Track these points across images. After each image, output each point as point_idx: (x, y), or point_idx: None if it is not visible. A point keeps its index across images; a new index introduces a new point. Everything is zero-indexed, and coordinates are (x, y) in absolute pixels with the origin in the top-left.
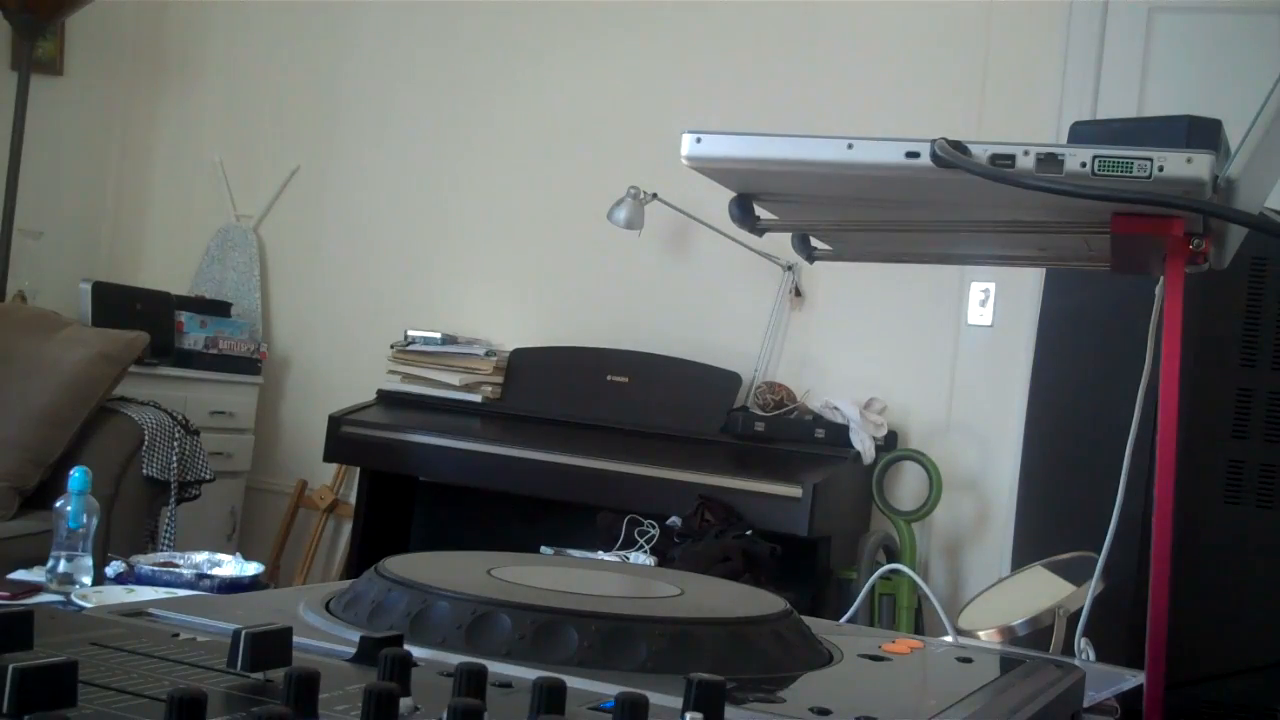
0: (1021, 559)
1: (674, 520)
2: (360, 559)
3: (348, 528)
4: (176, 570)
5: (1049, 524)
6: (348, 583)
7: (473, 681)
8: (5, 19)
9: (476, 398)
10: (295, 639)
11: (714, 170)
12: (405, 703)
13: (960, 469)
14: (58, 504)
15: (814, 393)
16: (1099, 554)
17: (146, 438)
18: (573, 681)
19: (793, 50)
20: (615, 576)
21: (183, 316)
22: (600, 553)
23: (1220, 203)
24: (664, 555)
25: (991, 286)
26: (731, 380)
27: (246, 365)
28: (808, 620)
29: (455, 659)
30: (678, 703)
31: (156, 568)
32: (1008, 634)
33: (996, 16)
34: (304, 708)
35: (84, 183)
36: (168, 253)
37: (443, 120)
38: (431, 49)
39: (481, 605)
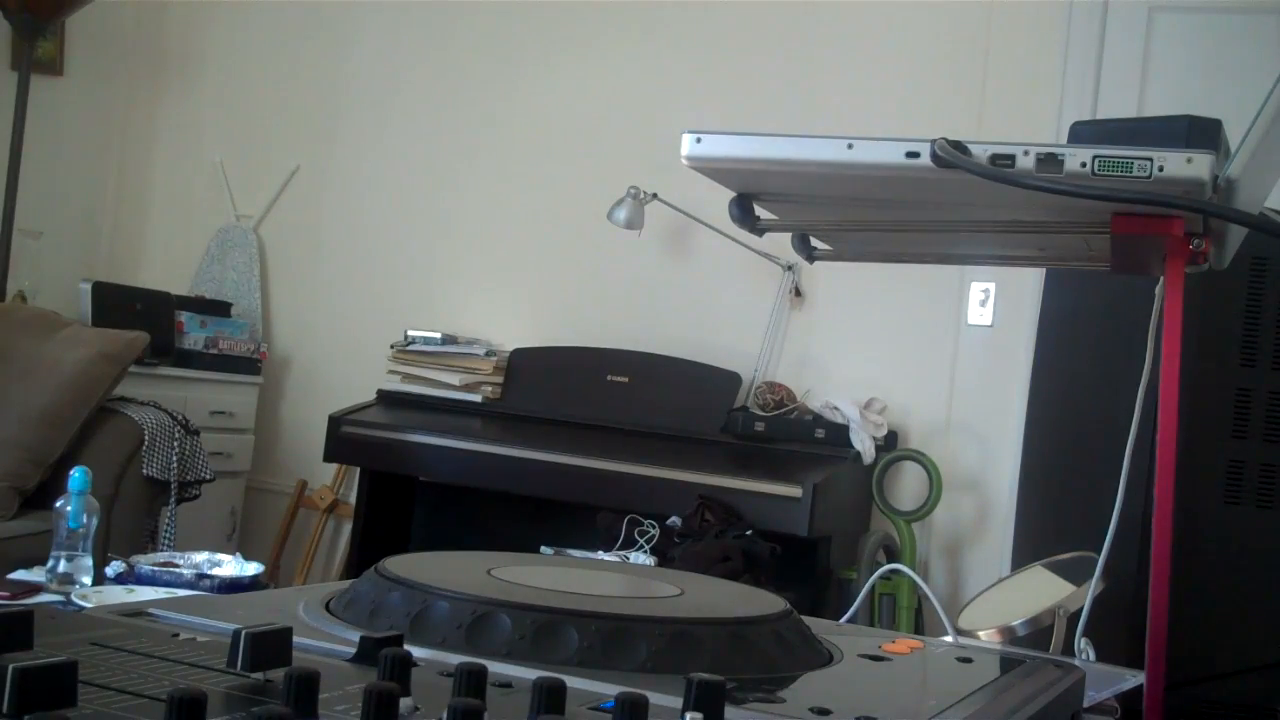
0: (1021, 559)
1: (674, 520)
2: (360, 559)
3: (348, 528)
4: (176, 570)
5: (1049, 524)
6: (348, 583)
7: (473, 681)
8: (5, 19)
9: (476, 398)
10: (295, 639)
11: (714, 170)
12: (405, 703)
13: (960, 469)
14: (58, 504)
15: (814, 393)
16: (1099, 554)
17: (146, 438)
18: (573, 681)
19: (793, 50)
20: (615, 576)
21: (183, 316)
22: (600, 553)
23: (1220, 203)
24: (664, 555)
25: (991, 286)
26: (731, 380)
27: (246, 365)
28: (808, 620)
29: (455, 659)
30: (678, 703)
31: (156, 568)
32: (1008, 634)
33: (996, 16)
34: (304, 708)
35: (84, 183)
36: (168, 253)
37: (443, 120)
38: (431, 49)
39: (481, 605)
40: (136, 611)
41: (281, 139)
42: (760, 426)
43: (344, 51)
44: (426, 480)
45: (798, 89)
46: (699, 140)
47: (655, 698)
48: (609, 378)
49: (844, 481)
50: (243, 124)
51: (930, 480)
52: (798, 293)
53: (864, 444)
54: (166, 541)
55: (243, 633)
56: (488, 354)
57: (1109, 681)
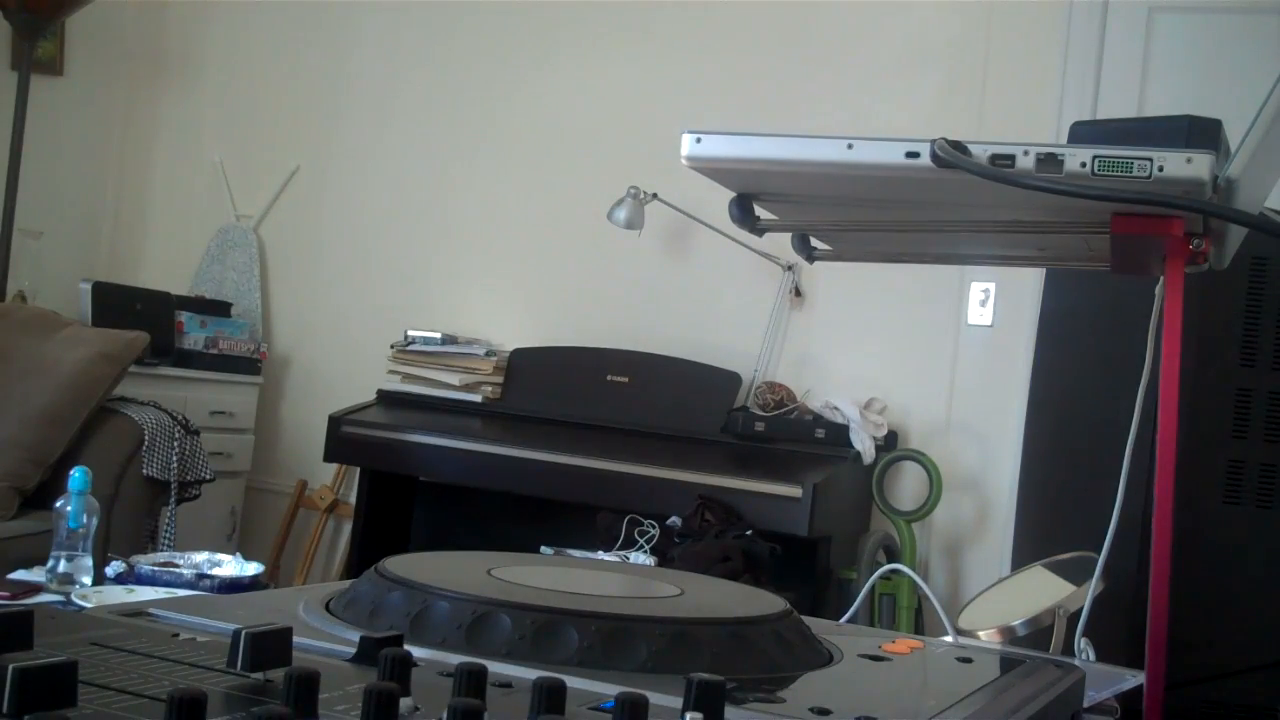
0: (1021, 559)
1: (674, 520)
2: (360, 559)
3: (348, 528)
4: (176, 570)
5: (1049, 524)
6: (348, 583)
7: (473, 681)
8: (5, 19)
9: (476, 398)
10: (295, 639)
11: (714, 170)
12: (405, 703)
13: (960, 469)
14: (58, 504)
15: (814, 393)
16: (1099, 554)
17: (146, 438)
18: (573, 681)
19: (793, 50)
20: (615, 576)
21: (183, 316)
22: (600, 553)
23: (1220, 203)
24: (664, 555)
25: (991, 286)
26: (731, 380)
27: (246, 365)
28: (808, 620)
29: (455, 659)
30: (678, 703)
31: (156, 568)
32: (1008, 634)
33: (996, 16)
34: (304, 708)
35: (84, 183)
36: (168, 253)
37: (443, 120)
38: (432, 49)
39: (481, 605)
40: (136, 611)
41: (281, 139)
42: (760, 426)
43: (344, 51)
44: (426, 480)
45: (798, 89)
46: (699, 140)
47: (655, 698)
48: (609, 378)
49: (844, 481)
50: (243, 124)
51: (930, 480)
52: (798, 293)
53: (864, 444)
54: (166, 541)
55: (243, 633)
56: (488, 354)
57: (1109, 681)
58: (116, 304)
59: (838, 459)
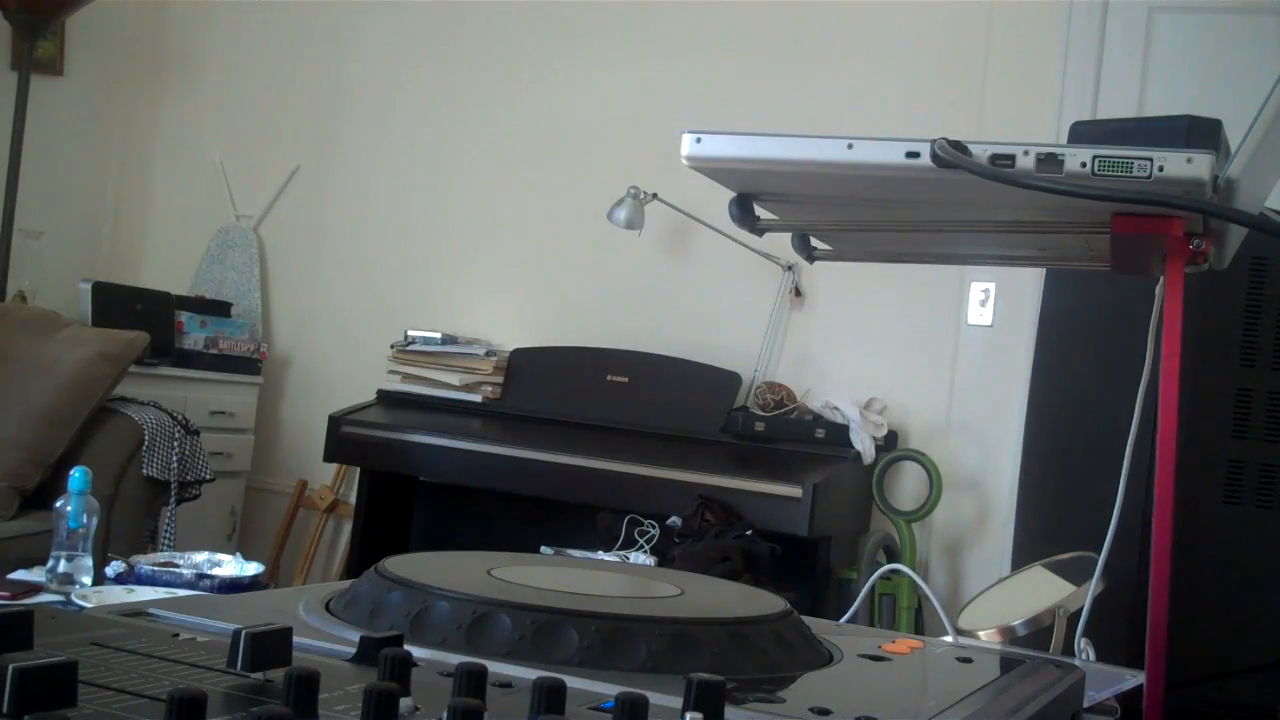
0: (1021, 559)
1: (674, 520)
2: (360, 559)
3: (348, 528)
4: (176, 570)
5: (1049, 524)
6: (348, 583)
7: (473, 681)
8: (5, 19)
9: (476, 398)
10: (295, 639)
11: (714, 170)
12: (405, 703)
13: (960, 469)
14: (58, 504)
15: (814, 393)
16: (1099, 554)
17: (146, 438)
18: (573, 681)
19: (793, 50)
20: (615, 576)
21: (183, 316)
22: (600, 553)
23: (1220, 203)
24: (664, 555)
25: (991, 286)
26: (731, 380)
27: (246, 365)
28: (808, 620)
29: (455, 659)
30: (678, 703)
31: (156, 568)
32: (1008, 634)
33: (996, 16)
34: (304, 708)
35: (84, 183)
36: (168, 253)
37: (443, 120)
38: (432, 49)
39: (481, 605)
40: (136, 611)
41: (281, 139)
42: (760, 426)
43: (344, 52)
44: (426, 480)
45: (798, 89)
46: (699, 140)
47: (655, 698)
48: (609, 378)
49: (844, 481)
50: (243, 124)
51: (930, 480)
52: (798, 293)
53: (864, 444)
54: (166, 541)
55: (243, 633)
56: (488, 354)
57: (1109, 681)
58: (116, 304)
59: (838, 459)
